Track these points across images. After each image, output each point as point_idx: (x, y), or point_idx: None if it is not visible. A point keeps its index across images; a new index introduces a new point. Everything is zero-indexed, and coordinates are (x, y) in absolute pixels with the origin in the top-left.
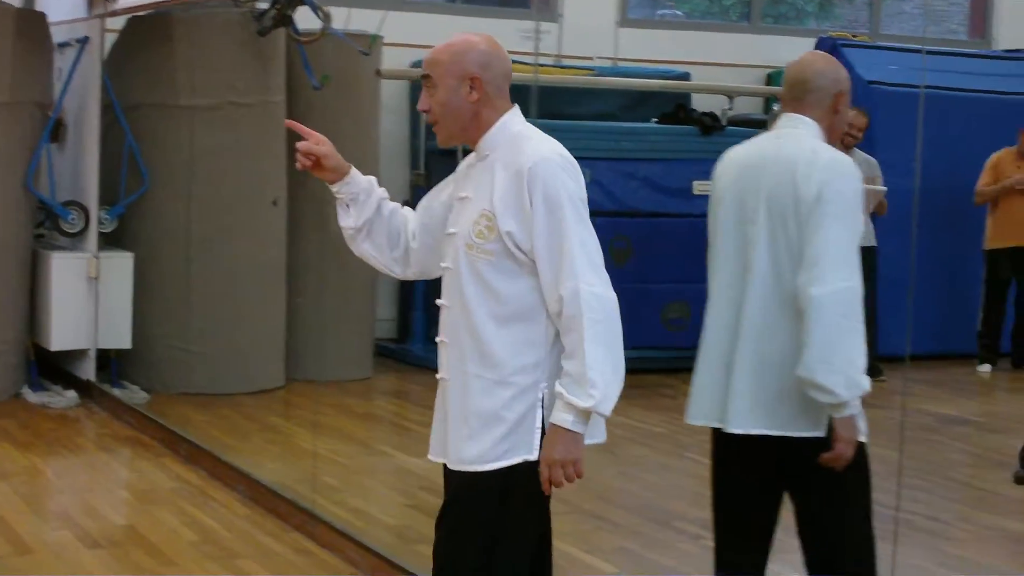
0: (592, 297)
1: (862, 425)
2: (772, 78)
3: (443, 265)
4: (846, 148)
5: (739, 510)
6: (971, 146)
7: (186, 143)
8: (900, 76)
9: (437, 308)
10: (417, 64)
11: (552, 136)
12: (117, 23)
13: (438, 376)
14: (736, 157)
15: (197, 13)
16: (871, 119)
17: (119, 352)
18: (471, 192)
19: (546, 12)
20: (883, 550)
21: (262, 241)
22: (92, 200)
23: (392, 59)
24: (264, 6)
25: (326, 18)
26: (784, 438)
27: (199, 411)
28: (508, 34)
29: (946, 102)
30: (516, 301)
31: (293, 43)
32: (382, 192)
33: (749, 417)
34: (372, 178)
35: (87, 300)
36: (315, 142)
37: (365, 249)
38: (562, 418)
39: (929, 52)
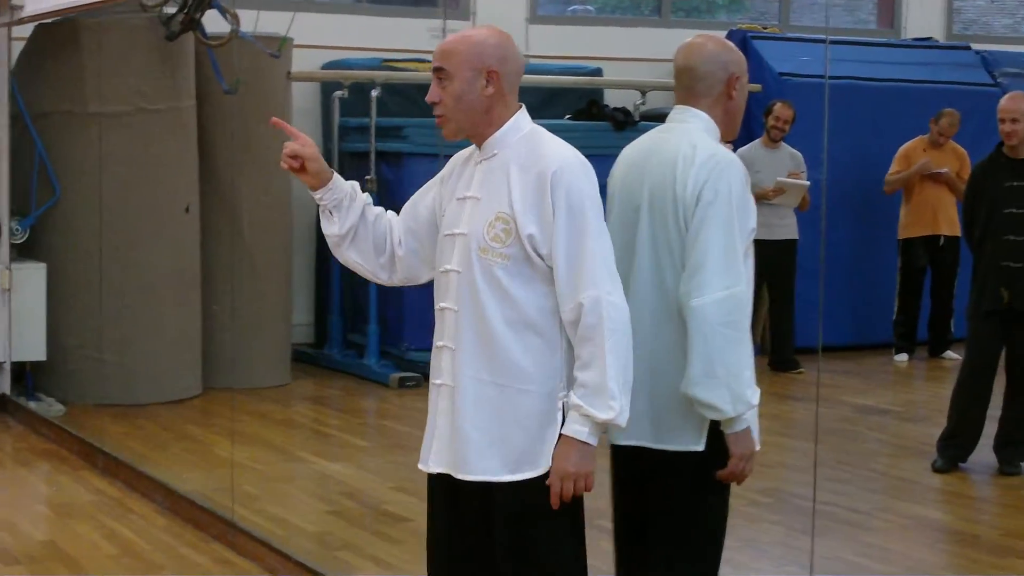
0: (611, 307)
1: (756, 434)
2: None
3: (447, 267)
4: (773, 141)
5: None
6: (883, 135)
7: (96, 151)
8: (811, 67)
9: (354, 312)
10: (328, 66)
11: None
12: (24, 31)
13: (436, 382)
14: (626, 154)
15: (104, 19)
16: None
17: (34, 364)
18: (479, 192)
19: (456, 11)
20: (802, 542)
21: (175, 248)
22: (3, 211)
23: (303, 61)
24: (172, 11)
25: (235, 21)
26: (664, 452)
27: (116, 422)
28: (418, 33)
29: (857, 92)
30: (531, 307)
31: (202, 47)
32: (365, 197)
33: (635, 429)
34: (354, 183)
35: (0, 312)
36: (301, 144)
37: (350, 256)
38: (577, 430)
39: (838, 42)
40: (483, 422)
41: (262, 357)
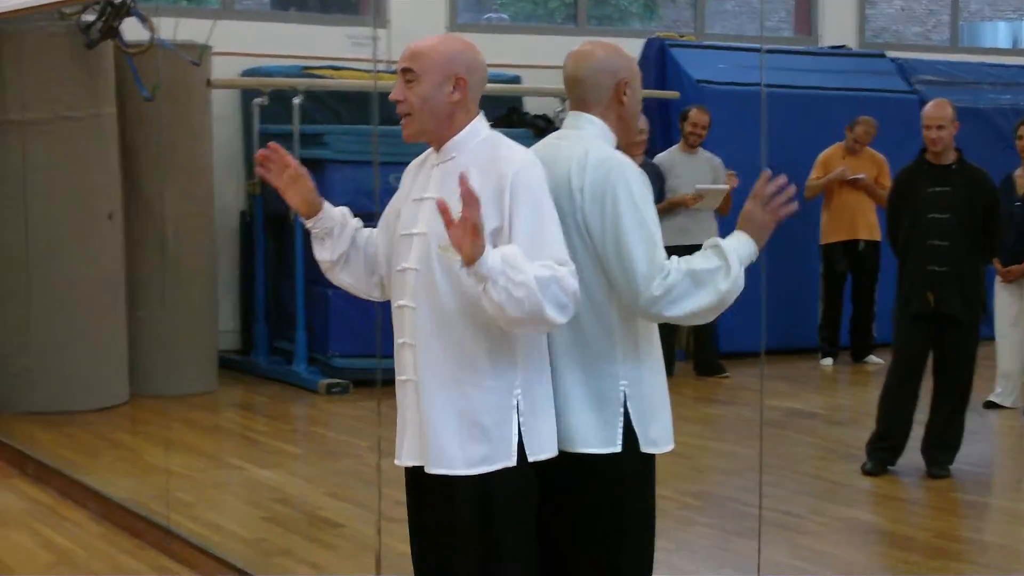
0: (572, 281)
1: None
2: None
3: (404, 266)
4: (691, 147)
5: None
6: (803, 143)
7: (18, 159)
8: (728, 74)
9: (279, 318)
10: (248, 72)
11: (387, 142)
12: None
13: (402, 378)
14: None
15: (23, 27)
16: None
17: None
18: (437, 193)
19: (374, 18)
20: (748, 547)
21: (100, 255)
22: None
23: (222, 68)
24: (91, 18)
25: (153, 29)
26: (582, 455)
27: (45, 430)
28: (338, 40)
29: (776, 99)
30: None
31: (122, 55)
32: (356, 222)
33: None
34: (344, 209)
35: None
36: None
37: (343, 280)
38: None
39: (754, 50)
40: (444, 417)
41: (189, 364)
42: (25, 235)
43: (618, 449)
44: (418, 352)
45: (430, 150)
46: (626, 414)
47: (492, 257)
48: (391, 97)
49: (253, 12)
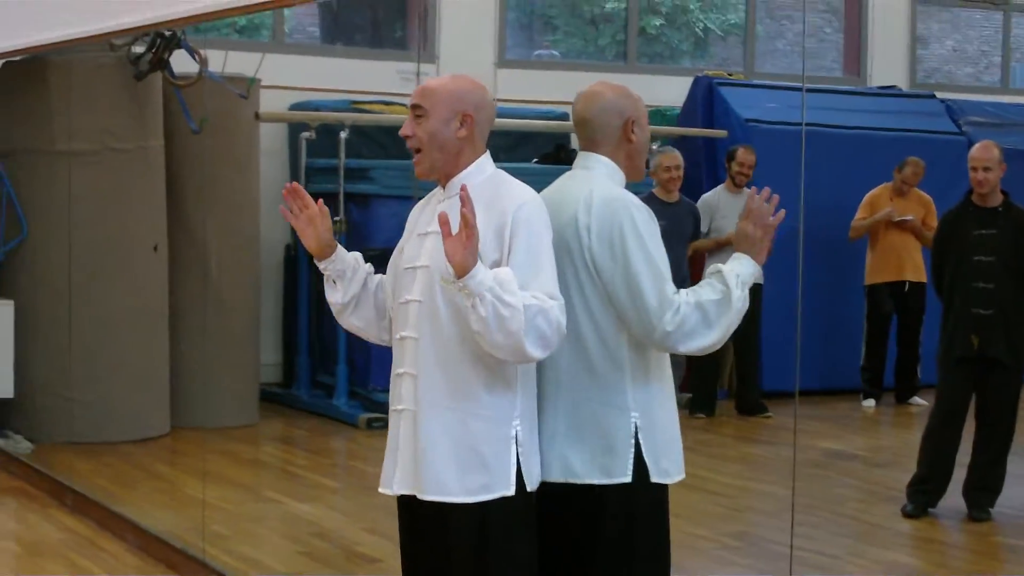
0: (560, 321)
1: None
2: (650, 117)
3: (407, 298)
4: (737, 186)
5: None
6: (849, 183)
7: (64, 189)
8: (777, 114)
9: (322, 352)
10: (296, 107)
11: None
12: None
13: (397, 408)
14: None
15: (72, 57)
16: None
17: (1, 401)
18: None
19: (423, 54)
20: None
21: (143, 287)
22: None
23: (270, 102)
24: (140, 50)
25: (203, 61)
26: (593, 486)
27: (84, 460)
28: (387, 75)
29: (824, 139)
30: None
31: (170, 87)
32: (368, 267)
33: (560, 466)
34: (357, 254)
35: None
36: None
37: (353, 323)
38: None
39: (808, 90)
40: (441, 445)
41: (230, 396)
42: (68, 265)
43: (628, 480)
44: (419, 382)
45: (437, 188)
46: (637, 445)
47: (484, 273)
48: (401, 132)
49: (302, 46)
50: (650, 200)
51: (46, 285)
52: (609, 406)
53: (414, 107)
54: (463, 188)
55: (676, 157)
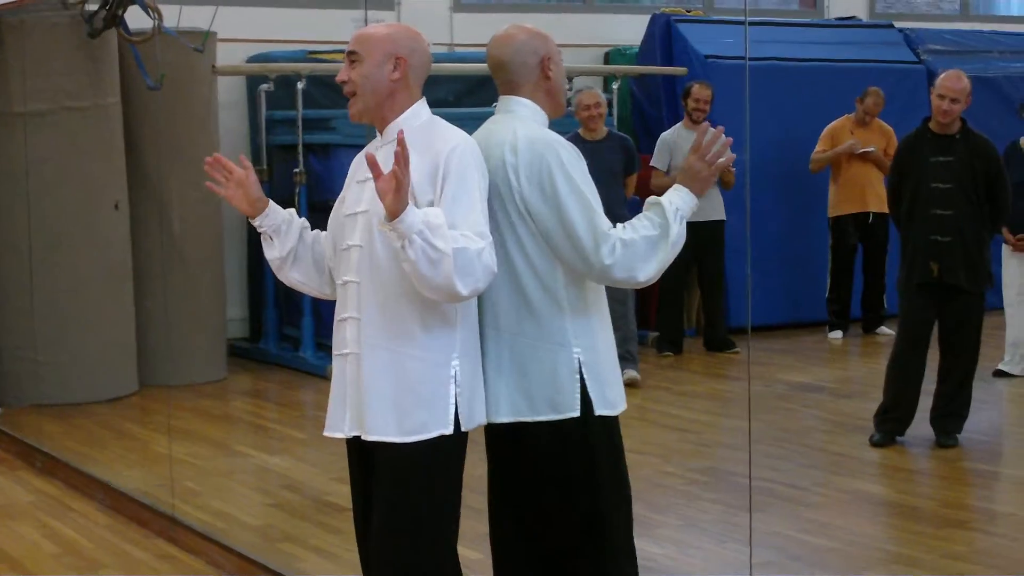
0: (490, 260)
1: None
2: (609, 57)
3: (349, 244)
4: (694, 122)
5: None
6: (809, 116)
7: (21, 150)
8: (736, 49)
9: (288, 305)
10: (253, 59)
11: None
12: None
13: (343, 352)
14: None
15: (26, 17)
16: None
17: None
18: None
19: (382, 1)
20: (741, 519)
21: (105, 246)
22: None
23: (227, 55)
24: (94, 7)
25: (157, 16)
26: (542, 423)
27: (53, 422)
28: (343, 24)
29: (782, 72)
30: None
31: (125, 44)
32: (302, 221)
33: (510, 405)
34: (291, 209)
35: None
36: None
37: (294, 277)
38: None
39: (760, 23)
40: (382, 386)
41: (197, 353)
42: (29, 227)
43: (577, 414)
44: (362, 325)
45: (377, 136)
46: (581, 379)
47: (413, 215)
48: (337, 79)
49: None
50: (575, 140)
51: (7, 248)
52: (551, 342)
53: (349, 53)
54: (400, 132)
55: (595, 95)
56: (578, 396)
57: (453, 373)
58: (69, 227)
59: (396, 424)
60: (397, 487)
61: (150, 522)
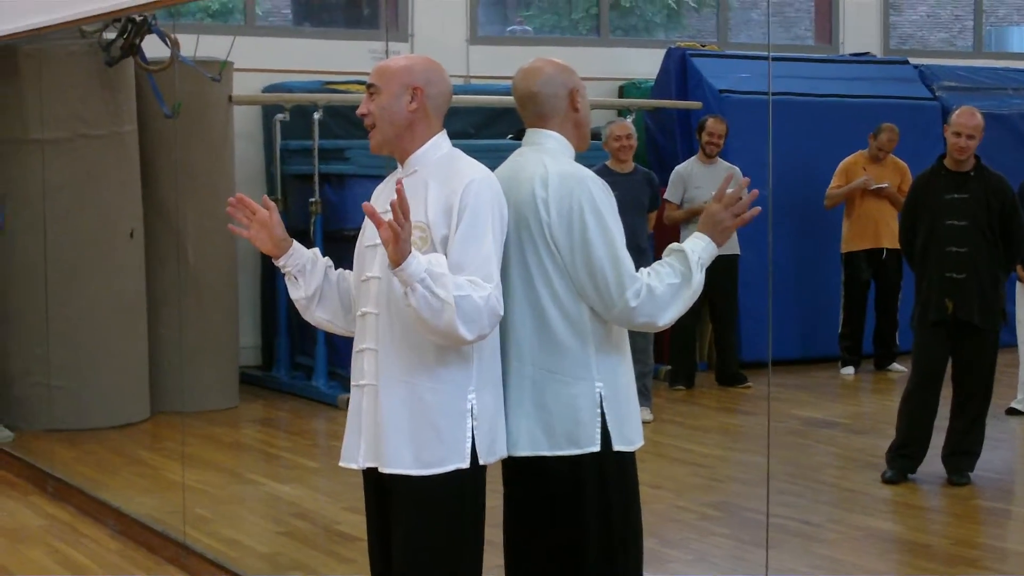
0: (496, 303)
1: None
2: (624, 90)
3: (368, 276)
4: (708, 156)
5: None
6: (824, 150)
7: (38, 177)
8: (750, 84)
9: (301, 333)
10: (269, 89)
11: None
12: None
13: (360, 383)
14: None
15: (43, 45)
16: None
17: None
18: None
19: (396, 32)
20: (753, 555)
21: (120, 273)
22: None
23: (243, 85)
24: (111, 36)
25: (174, 45)
26: (562, 457)
27: (65, 447)
28: (359, 55)
29: (797, 108)
30: None
31: (142, 72)
32: (326, 260)
33: (529, 440)
34: (315, 249)
35: None
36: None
37: (319, 317)
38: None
39: (778, 59)
40: (400, 419)
41: (210, 380)
42: (45, 253)
43: (597, 448)
44: (379, 357)
45: (399, 167)
46: (602, 414)
47: (416, 263)
48: (358, 112)
49: (274, 28)
50: (603, 172)
51: (23, 273)
52: (574, 377)
53: (369, 86)
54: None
55: (627, 127)
56: (598, 431)
57: (470, 406)
58: (84, 254)
59: (413, 457)
60: (415, 520)
61: (161, 548)
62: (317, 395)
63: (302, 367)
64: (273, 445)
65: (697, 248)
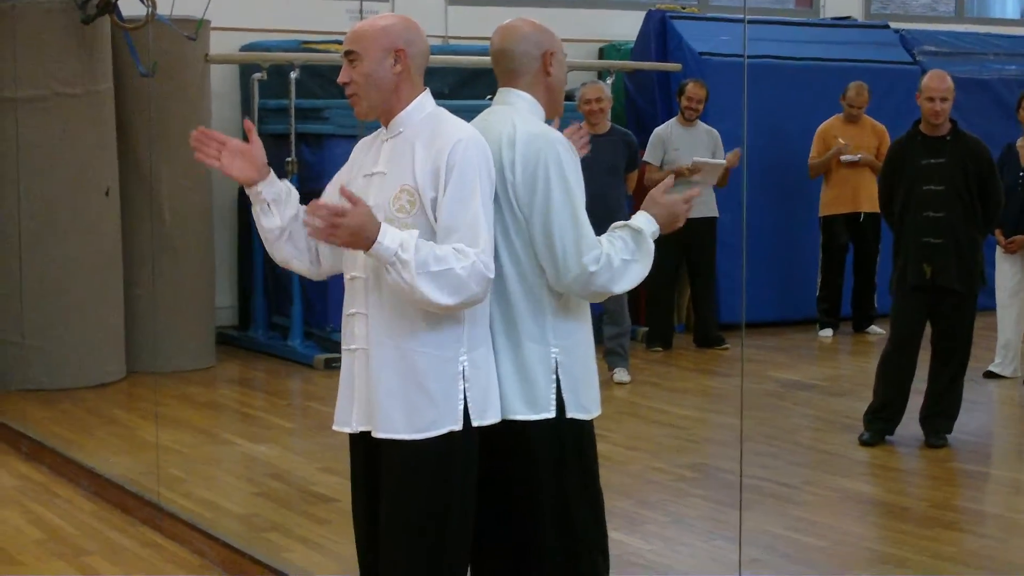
0: (483, 267)
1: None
2: (604, 52)
3: None
4: (688, 120)
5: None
6: (803, 114)
7: (12, 136)
8: (730, 46)
9: (277, 293)
10: (246, 48)
11: None
12: None
13: (351, 347)
14: None
15: (18, 3)
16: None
17: None
18: (385, 168)
19: None
20: (729, 516)
21: (96, 232)
22: None
23: (220, 44)
24: None
25: (151, 4)
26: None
27: (40, 407)
28: (337, 14)
29: (778, 71)
30: None
31: (118, 30)
32: (298, 195)
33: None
34: (286, 181)
35: None
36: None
37: (287, 251)
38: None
39: (756, 22)
40: (391, 383)
41: (186, 340)
42: (19, 212)
43: (551, 415)
44: (370, 321)
45: (382, 128)
46: (557, 380)
47: (386, 246)
48: (339, 80)
49: None
50: None
51: None
52: (530, 340)
53: (347, 53)
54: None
55: (599, 89)
56: (553, 397)
57: (461, 369)
58: (59, 213)
59: (406, 421)
60: (407, 484)
61: (135, 509)
62: (293, 355)
63: (278, 327)
64: (249, 405)
65: (646, 227)
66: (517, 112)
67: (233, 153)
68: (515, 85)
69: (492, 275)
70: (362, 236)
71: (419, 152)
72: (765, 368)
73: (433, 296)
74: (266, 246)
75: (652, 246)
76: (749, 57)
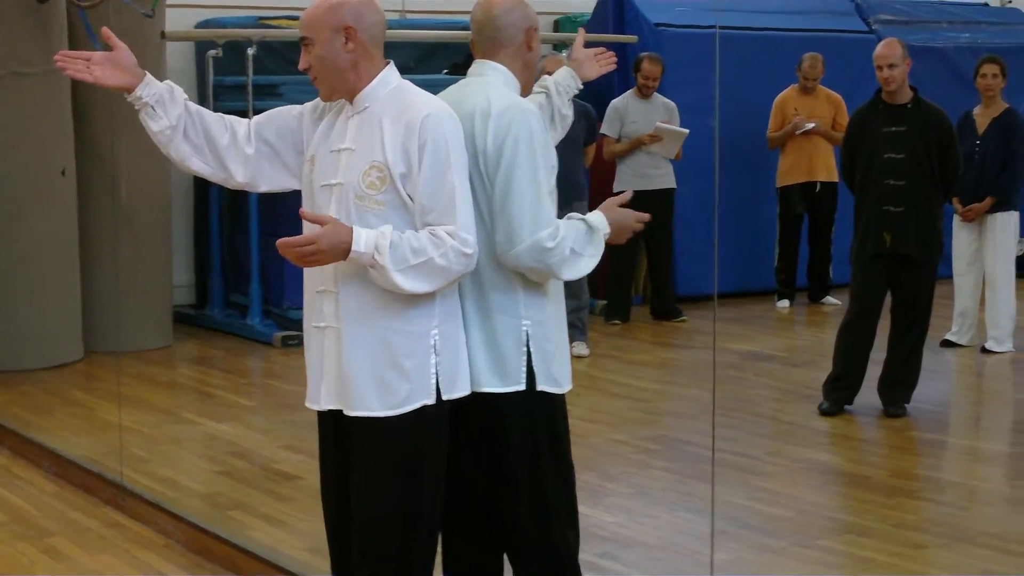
0: (461, 245)
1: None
2: (560, 24)
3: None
4: (644, 96)
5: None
6: (759, 85)
7: None
8: (687, 17)
9: (235, 272)
10: (202, 24)
11: None
12: None
13: (319, 325)
14: None
15: None
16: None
17: None
18: (353, 144)
19: None
20: (703, 489)
21: (52, 212)
22: None
23: (176, 21)
24: None
25: None
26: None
27: None
28: None
29: (734, 41)
30: None
31: (74, 8)
32: (182, 92)
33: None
34: (169, 81)
35: None
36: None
37: (184, 150)
38: (365, 242)
39: None
40: (364, 360)
41: (144, 319)
42: None
43: (522, 387)
44: (339, 299)
45: (346, 106)
46: (528, 353)
47: (362, 252)
48: (300, 67)
49: None
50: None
51: None
52: (501, 312)
53: (302, 40)
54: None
55: (560, 61)
56: (523, 369)
57: (433, 342)
58: (16, 193)
59: (379, 398)
60: (380, 459)
61: (98, 489)
62: (252, 333)
63: (236, 305)
64: (208, 384)
65: (598, 224)
66: (491, 85)
67: (102, 64)
68: (493, 57)
69: (472, 249)
70: (340, 250)
71: (387, 127)
72: (725, 340)
73: (418, 287)
74: (162, 151)
75: (603, 246)
76: (706, 28)
